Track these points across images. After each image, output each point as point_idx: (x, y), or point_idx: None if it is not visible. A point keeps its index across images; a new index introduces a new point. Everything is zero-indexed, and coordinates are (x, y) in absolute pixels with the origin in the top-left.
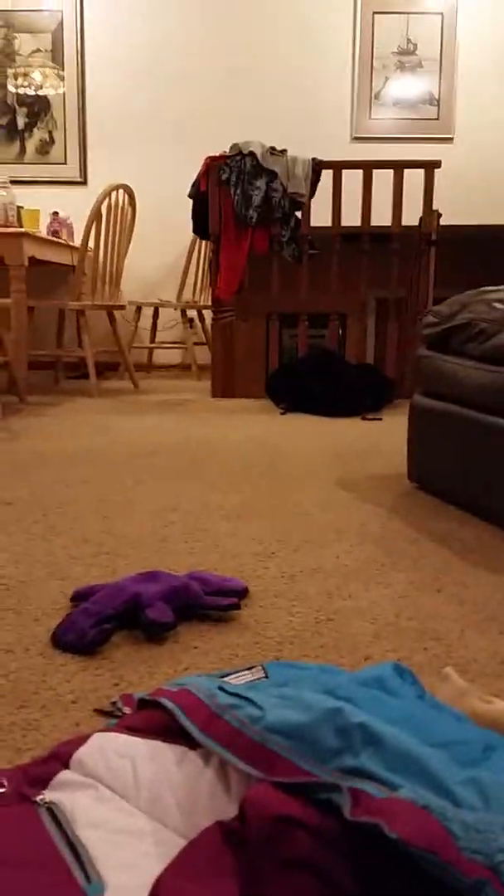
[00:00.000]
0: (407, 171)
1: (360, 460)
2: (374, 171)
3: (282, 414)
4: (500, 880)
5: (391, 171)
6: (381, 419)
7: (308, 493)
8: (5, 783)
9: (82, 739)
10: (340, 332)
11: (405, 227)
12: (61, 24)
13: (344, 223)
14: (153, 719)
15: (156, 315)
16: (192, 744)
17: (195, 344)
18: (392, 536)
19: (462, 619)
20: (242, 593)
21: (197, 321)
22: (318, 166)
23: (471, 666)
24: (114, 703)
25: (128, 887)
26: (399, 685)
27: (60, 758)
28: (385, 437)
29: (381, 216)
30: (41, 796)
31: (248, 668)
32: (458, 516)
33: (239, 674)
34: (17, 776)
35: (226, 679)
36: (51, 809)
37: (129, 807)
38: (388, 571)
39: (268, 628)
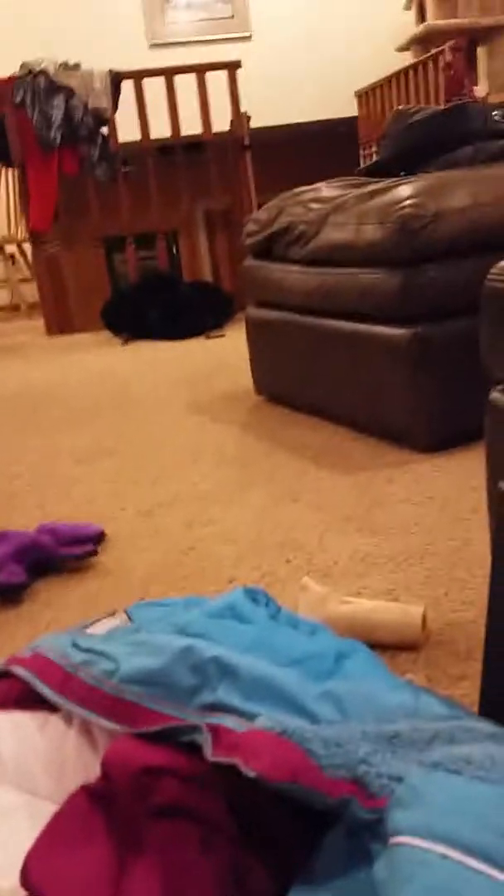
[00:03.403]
0: (211, 75)
1: (208, 381)
2: (177, 77)
3: (123, 345)
4: (365, 792)
5: (195, 76)
6: (224, 335)
7: (160, 422)
8: None
9: None
10: (175, 250)
11: (217, 133)
12: None
13: (154, 134)
14: (9, 689)
15: None
16: (52, 708)
17: (21, 281)
18: (247, 453)
19: (321, 524)
20: (99, 538)
21: (18, 256)
22: (116, 77)
23: (333, 569)
24: None
25: (1, 866)
26: (251, 609)
27: None
28: (230, 353)
29: (192, 124)
30: None
31: (107, 615)
32: (308, 422)
33: (100, 622)
34: None
35: (87, 629)
36: None
37: None
38: (245, 489)
39: (129, 569)
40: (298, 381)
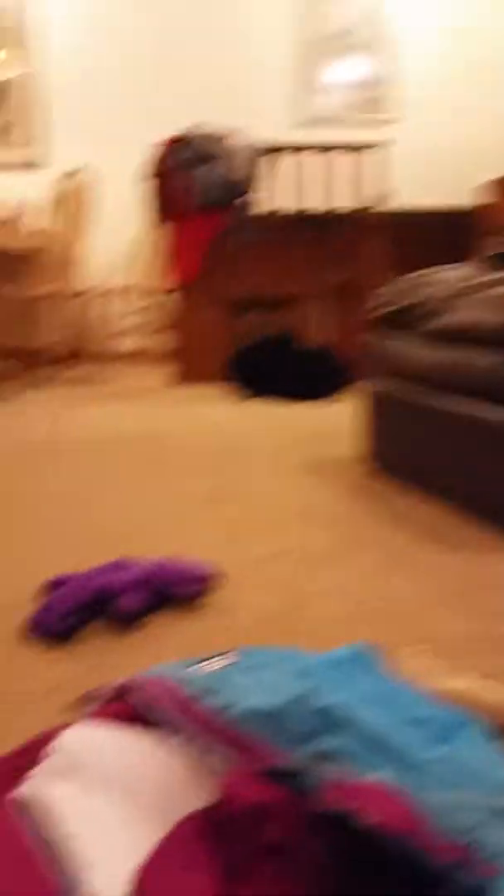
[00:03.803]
0: (354, 154)
1: (322, 444)
2: (323, 154)
3: (243, 400)
4: (473, 860)
5: (339, 154)
6: (338, 402)
7: (272, 477)
8: None
9: (57, 731)
10: (298, 315)
11: (354, 209)
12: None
13: (295, 206)
14: (127, 709)
15: (116, 300)
16: (166, 732)
17: (157, 330)
18: (356, 518)
19: (426, 598)
20: (210, 579)
21: (158, 307)
22: (264, 150)
23: (436, 644)
24: (87, 695)
25: (108, 879)
26: (368, 666)
27: (35, 750)
28: (345, 420)
29: (331, 199)
30: (17, 790)
31: (220, 655)
32: (419, 496)
33: (211, 661)
34: None
35: (198, 666)
36: (26, 802)
37: (107, 796)
38: (353, 553)
39: (237, 613)
40: (413, 455)
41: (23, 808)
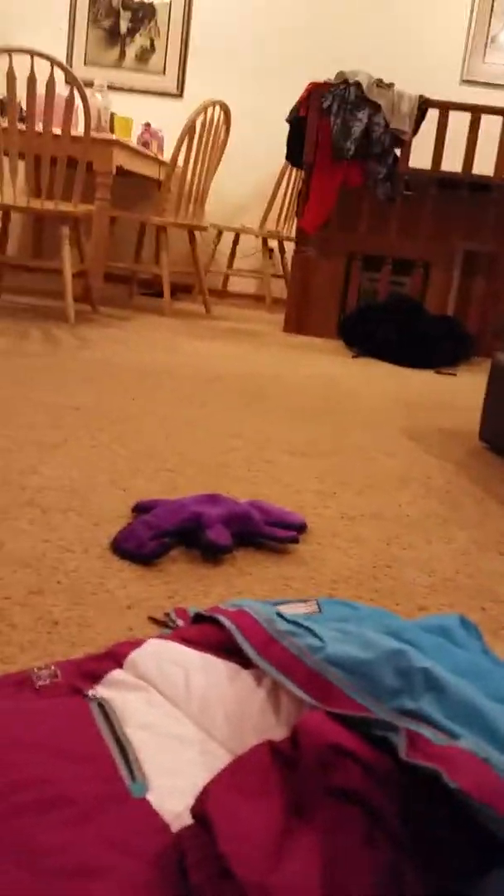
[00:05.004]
0: None
1: (431, 413)
2: (482, 117)
3: (353, 357)
4: None
5: (499, 119)
6: (455, 375)
7: (374, 438)
8: (59, 674)
9: (138, 643)
10: (423, 280)
11: (501, 178)
12: None
13: (443, 167)
14: (208, 634)
15: (236, 241)
16: (244, 663)
17: (272, 275)
18: (457, 492)
19: None
20: (301, 528)
21: (277, 252)
22: (424, 104)
23: None
24: (167, 615)
25: (171, 790)
26: (464, 637)
27: (115, 657)
28: (459, 393)
29: (483, 165)
30: (93, 691)
31: (303, 601)
32: None
33: (293, 604)
34: (71, 669)
35: (279, 608)
36: (101, 705)
37: (178, 713)
38: (450, 527)
39: (323, 566)
40: None
41: (97, 707)
